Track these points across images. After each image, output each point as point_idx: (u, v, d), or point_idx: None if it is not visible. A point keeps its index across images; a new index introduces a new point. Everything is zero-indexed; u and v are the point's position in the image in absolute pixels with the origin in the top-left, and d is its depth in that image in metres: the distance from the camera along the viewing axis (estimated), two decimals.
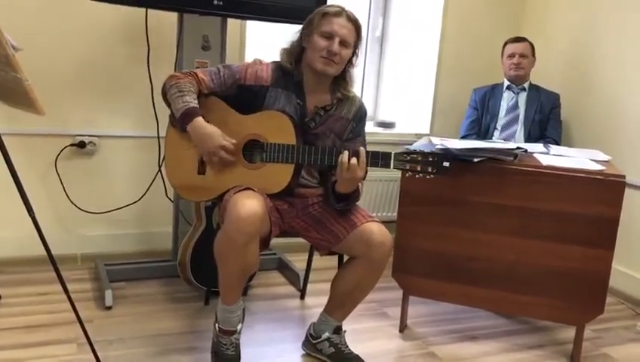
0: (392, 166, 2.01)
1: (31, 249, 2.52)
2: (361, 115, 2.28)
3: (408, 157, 2.01)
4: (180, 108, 2.04)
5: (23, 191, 1.84)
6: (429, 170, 2.00)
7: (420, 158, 2.01)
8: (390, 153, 2.01)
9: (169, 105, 2.13)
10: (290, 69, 2.17)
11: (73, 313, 1.92)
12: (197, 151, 2.13)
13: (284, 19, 2.61)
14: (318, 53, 2.10)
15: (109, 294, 2.56)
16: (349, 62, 2.18)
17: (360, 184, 2.11)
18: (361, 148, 2.01)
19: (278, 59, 2.22)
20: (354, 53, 2.17)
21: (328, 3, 2.56)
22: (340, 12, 2.11)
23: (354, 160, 1.97)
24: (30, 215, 1.83)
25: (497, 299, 2.44)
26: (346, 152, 1.99)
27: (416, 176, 2.01)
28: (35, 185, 2.88)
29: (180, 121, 2.05)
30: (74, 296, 1.94)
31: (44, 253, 1.88)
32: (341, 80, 2.20)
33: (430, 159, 2.00)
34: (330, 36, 2.09)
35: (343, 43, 2.10)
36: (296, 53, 2.18)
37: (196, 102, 2.07)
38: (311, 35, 2.12)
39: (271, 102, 2.15)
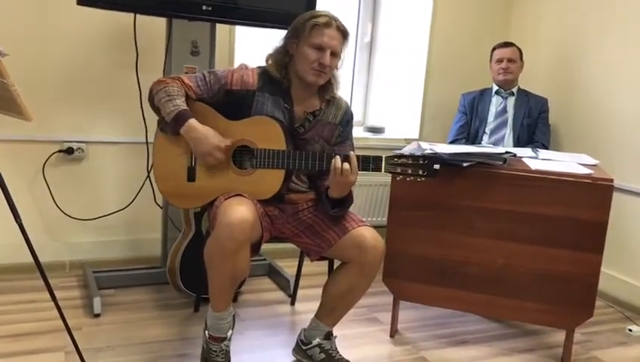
0: (383, 169, 2.02)
1: (18, 256, 2.50)
2: (347, 119, 2.28)
3: (399, 161, 2.01)
4: (172, 112, 2.02)
5: (10, 197, 1.81)
6: (420, 172, 2.00)
7: (410, 161, 2.01)
8: (381, 157, 2.01)
9: (157, 110, 2.10)
10: (279, 78, 2.16)
11: (61, 321, 1.90)
12: (187, 157, 2.12)
13: (273, 24, 2.61)
14: (309, 65, 2.09)
15: (97, 301, 2.54)
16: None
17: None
18: (352, 153, 2.01)
19: (264, 64, 2.21)
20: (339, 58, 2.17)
21: (316, 8, 2.57)
22: (330, 22, 2.09)
23: (346, 164, 1.97)
24: (17, 222, 1.81)
25: (487, 303, 2.45)
26: (338, 157, 1.98)
27: (407, 179, 2.02)
28: (22, 191, 2.86)
29: (173, 125, 2.03)
30: (62, 303, 1.92)
31: (32, 260, 1.85)
32: (327, 83, 2.20)
33: (421, 162, 2.00)
34: (320, 48, 2.08)
35: (332, 54, 2.10)
36: (282, 60, 2.17)
37: (186, 105, 2.05)
38: (299, 44, 2.11)
39: (258, 106, 2.14)
